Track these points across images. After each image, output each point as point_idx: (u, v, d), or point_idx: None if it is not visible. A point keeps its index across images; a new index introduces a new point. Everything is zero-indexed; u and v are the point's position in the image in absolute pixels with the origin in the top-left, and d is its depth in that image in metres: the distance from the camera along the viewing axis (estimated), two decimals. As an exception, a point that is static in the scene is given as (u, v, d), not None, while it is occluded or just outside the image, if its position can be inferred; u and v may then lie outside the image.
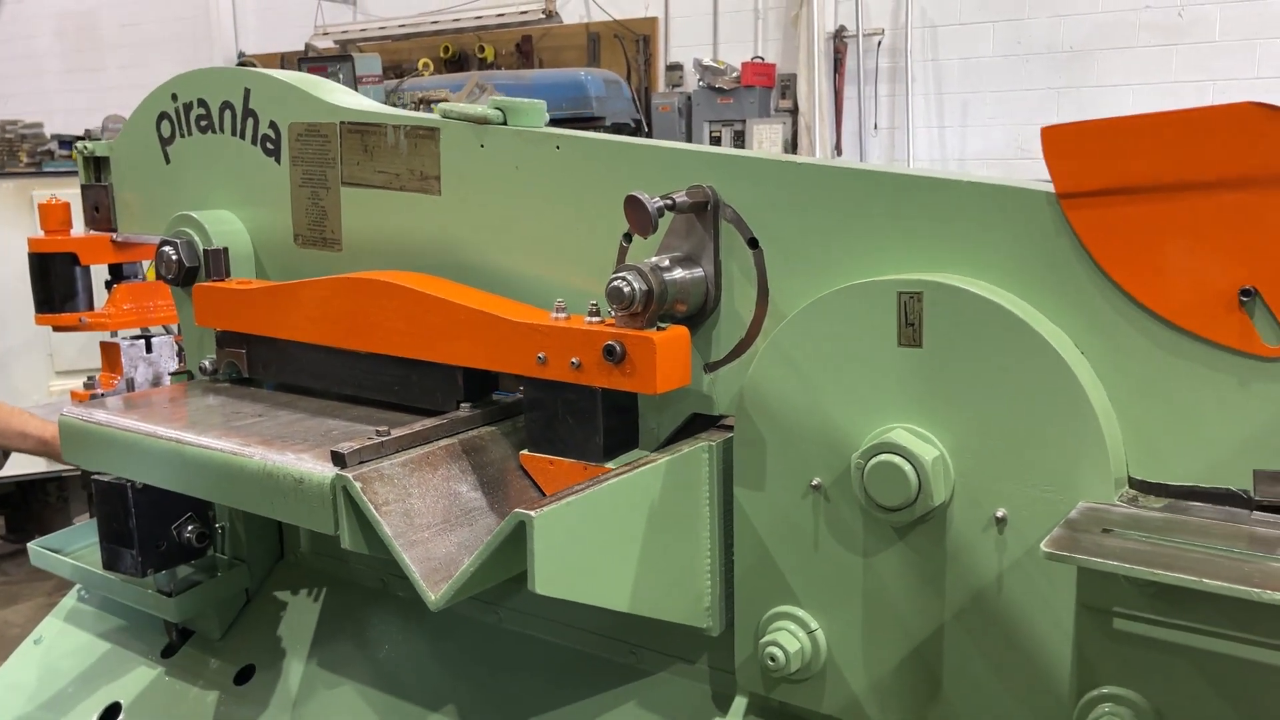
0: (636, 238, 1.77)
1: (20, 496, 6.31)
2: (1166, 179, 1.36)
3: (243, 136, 2.25)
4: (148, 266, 3.21)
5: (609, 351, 1.59)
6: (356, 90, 2.70)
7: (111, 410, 1.97)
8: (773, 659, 1.60)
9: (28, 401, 4.79)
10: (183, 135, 2.36)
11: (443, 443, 1.72)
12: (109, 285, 3.20)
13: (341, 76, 7.94)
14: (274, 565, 2.40)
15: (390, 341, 1.85)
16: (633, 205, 1.60)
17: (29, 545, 2.52)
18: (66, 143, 7.78)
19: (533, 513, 1.36)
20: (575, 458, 1.71)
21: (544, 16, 10.24)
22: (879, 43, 8.76)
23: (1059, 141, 1.45)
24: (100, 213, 2.53)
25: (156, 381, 2.76)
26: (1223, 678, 1.29)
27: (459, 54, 10.61)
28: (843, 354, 1.55)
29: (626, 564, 1.55)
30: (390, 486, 1.58)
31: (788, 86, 9.11)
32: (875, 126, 8.87)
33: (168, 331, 3.14)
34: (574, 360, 1.63)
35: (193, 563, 2.29)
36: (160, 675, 2.32)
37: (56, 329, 3.13)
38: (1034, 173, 1.54)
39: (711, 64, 9.12)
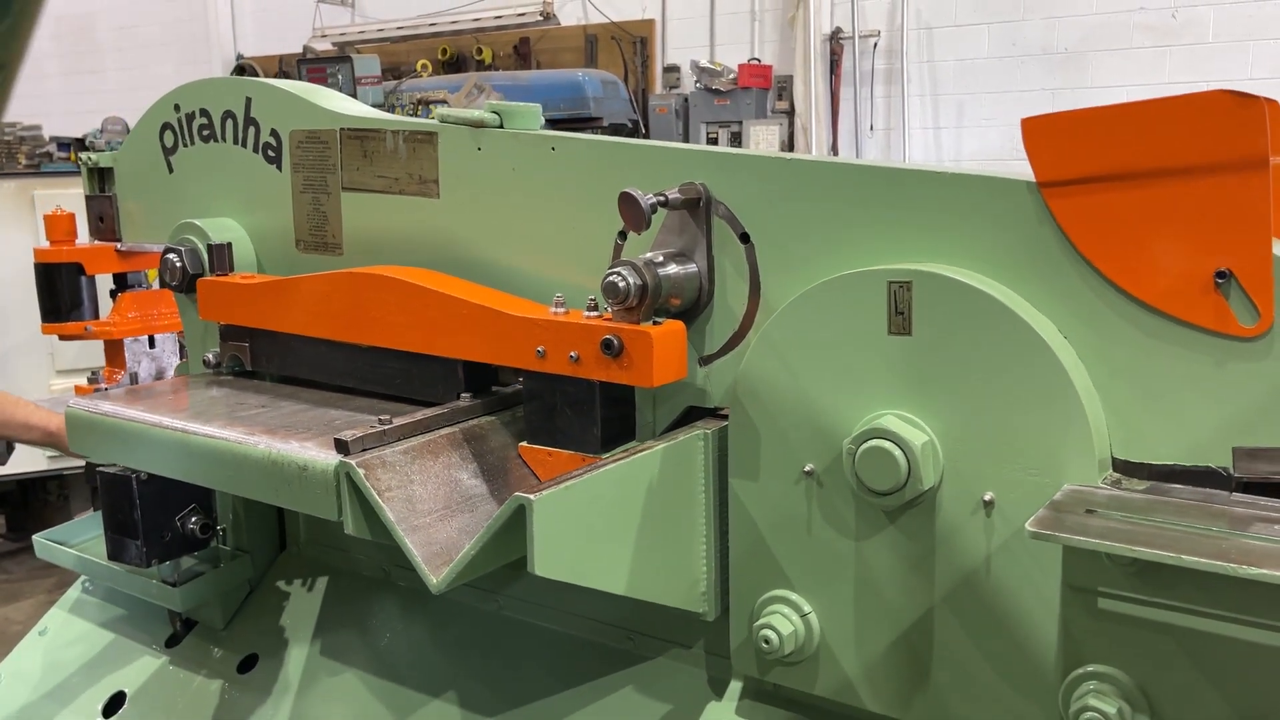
0: (631, 235, 1.81)
1: (20, 495, 6.34)
2: (1143, 166, 1.40)
3: (244, 145, 2.29)
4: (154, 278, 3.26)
5: (607, 345, 1.62)
6: (355, 92, 2.75)
7: (117, 401, 2.01)
8: (767, 642, 1.64)
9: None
10: (185, 145, 2.40)
11: (444, 431, 1.76)
12: (114, 294, 3.24)
13: (340, 78, 7.98)
14: (276, 556, 2.43)
15: (392, 335, 1.89)
16: (626, 202, 1.64)
17: (35, 538, 2.56)
18: (65, 145, 7.81)
19: (532, 496, 1.40)
20: (573, 449, 1.74)
21: (541, 18, 10.28)
22: (875, 44, 8.82)
23: (1039, 132, 1.49)
24: (105, 223, 2.57)
25: (159, 376, 2.79)
26: (1204, 654, 1.33)
27: (457, 56, 10.66)
28: (834, 343, 1.59)
29: (624, 548, 1.59)
30: (392, 473, 1.62)
31: (784, 88, 9.16)
32: (871, 128, 8.92)
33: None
34: (572, 354, 1.67)
35: (196, 554, 2.33)
36: (164, 664, 2.35)
37: (63, 338, 3.17)
38: (1029, 173, 1.58)
39: (708, 65, 9.17)
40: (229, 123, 2.31)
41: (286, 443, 1.71)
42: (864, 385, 1.57)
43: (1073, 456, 1.42)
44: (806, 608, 1.67)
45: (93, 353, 4.05)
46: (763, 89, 9.17)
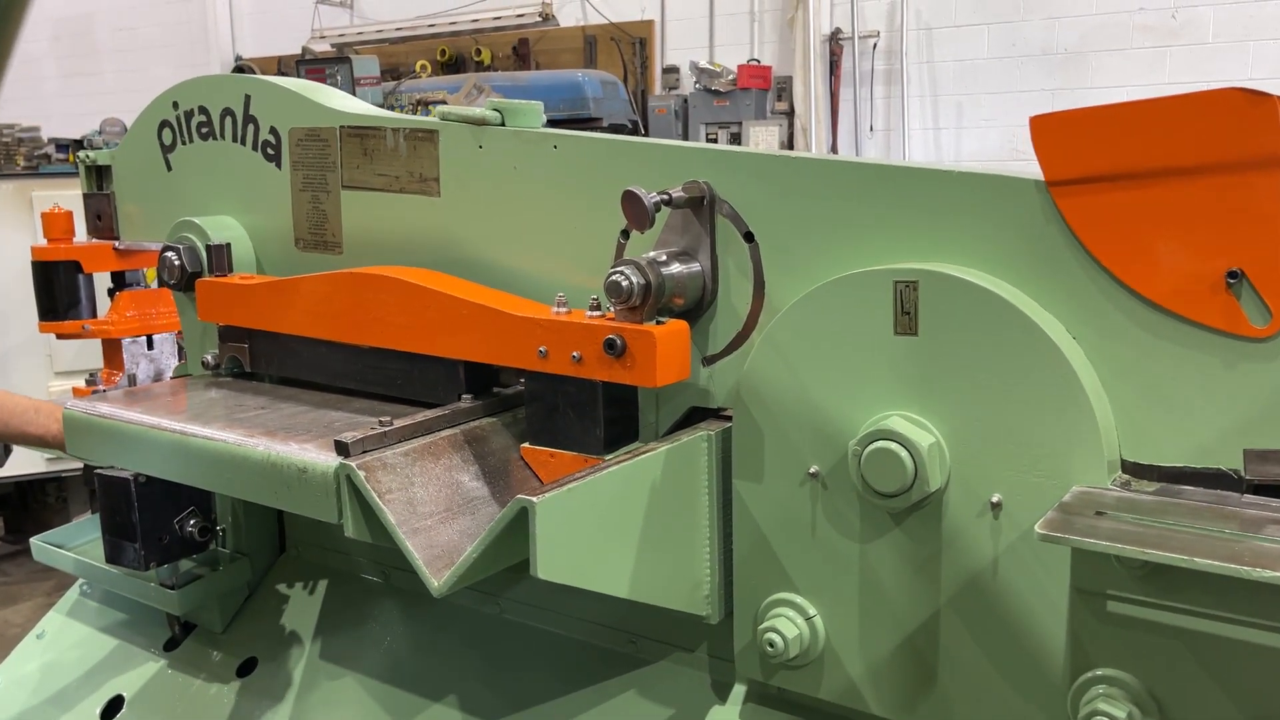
0: (634, 234, 1.79)
1: (19, 497, 6.32)
2: (1153, 165, 1.39)
3: (243, 143, 2.27)
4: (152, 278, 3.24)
5: (610, 345, 1.61)
6: (354, 93, 2.73)
7: (115, 403, 1.99)
8: (771, 645, 1.62)
9: (27, 402, 4.77)
10: (184, 142, 2.38)
11: (445, 433, 1.74)
12: (112, 293, 3.22)
13: (339, 79, 7.97)
14: (275, 559, 2.42)
15: (392, 335, 1.87)
16: (630, 201, 1.62)
17: (32, 540, 2.54)
18: (64, 146, 7.79)
19: (535, 499, 1.38)
20: (576, 450, 1.73)
21: (540, 19, 10.27)
22: (874, 45, 8.81)
23: (1048, 130, 1.47)
24: (103, 221, 2.56)
25: (158, 378, 2.77)
26: (1214, 658, 1.32)
27: (456, 57, 10.64)
28: (839, 343, 1.57)
29: (626, 551, 1.57)
30: (393, 475, 1.60)
31: (784, 89, 9.14)
32: (871, 128, 8.91)
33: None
34: (575, 354, 1.65)
35: (195, 556, 2.31)
36: (163, 668, 2.34)
37: (60, 336, 3.15)
38: (1029, 174, 1.57)
39: (708, 66, 9.15)
40: (228, 120, 2.29)
41: (286, 445, 1.70)
42: (869, 386, 1.55)
43: (1081, 458, 1.40)
44: (811, 611, 1.65)
45: (91, 354, 4.03)
46: (762, 90, 9.15)
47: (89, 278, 3.15)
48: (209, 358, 2.20)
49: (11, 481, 5.92)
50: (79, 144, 7.36)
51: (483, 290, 1.86)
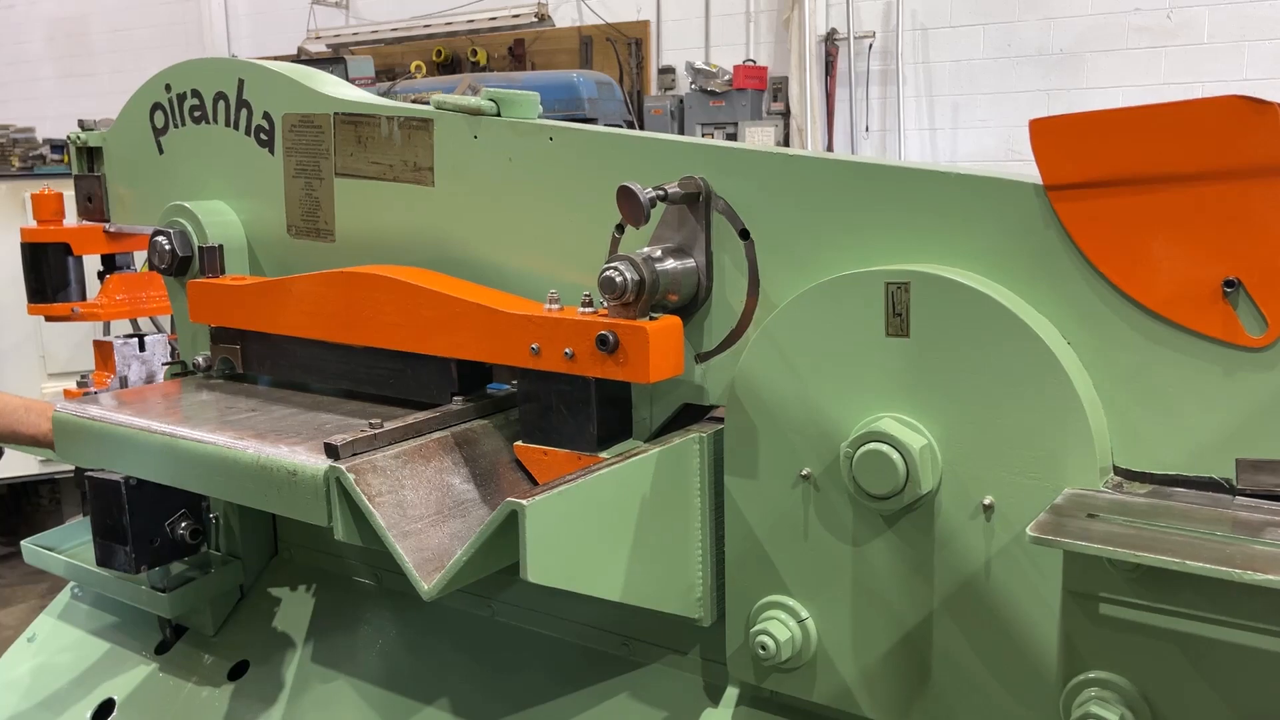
0: (629, 229, 1.79)
1: (12, 499, 6.30)
2: (1153, 171, 1.38)
3: (236, 127, 2.26)
4: (142, 262, 3.21)
5: (602, 341, 1.60)
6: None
7: (105, 406, 1.98)
8: (763, 648, 1.62)
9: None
10: (176, 126, 2.37)
11: (436, 435, 1.73)
12: (102, 276, 3.19)
13: (334, 79, 7.94)
14: (268, 561, 2.41)
15: (384, 335, 1.86)
16: (625, 196, 1.62)
17: (23, 543, 2.53)
18: (59, 147, 7.77)
19: (525, 501, 1.37)
20: (569, 448, 1.72)
21: (536, 20, 10.27)
22: (870, 45, 8.81)
23: (1047, 134, 1.47)
24: (93, 203, 2.54)
25: (150, 380, 2.76)
26: (1207, 661, 1.31)
27: (451, 57, 10.64)
28: (831, 344, 1.57)
29: (618, 553, 1.57)
30: (383, 478, 1.60)
31: (779, 89, 9.15)
32: (867, 129, 8.91)
33: (159, 330, 3.15)
34: (567, 350, 1.64)
35: (186, 559, 2.30)
36: (154, 671, 2.33)
37: (49, 319, 3.12)
38: (1028, 177, 1.56)
39: (703, 67, 9.15)
40: (221, 104, 2.28)
41: (276, 447, 1.69)
42: (862, 387, 1.55)
43: (1074, 462, 1.40)
44: (804, 613, 1.65)
45: (86, 356, 4.01)
46: (758, 90, 9.15)
47: (79, 260, 3.10)
48: (200, 359, 2.19)
49: (5, 483, 5.90)
50: (74, 145, 7.32)
51: (475, 288, 1.85)
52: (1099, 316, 1.44)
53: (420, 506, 1.61)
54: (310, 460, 1.63)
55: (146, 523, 2.13)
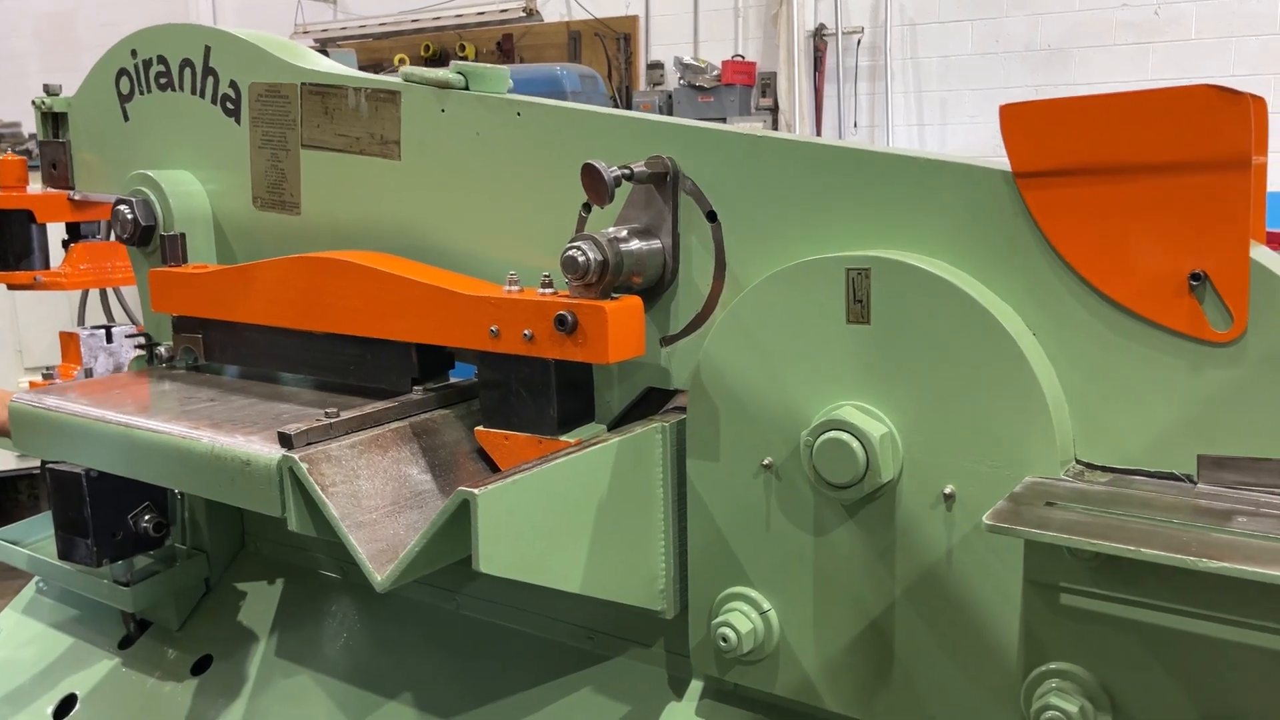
0: (595, 208, 1.76)
1: (-8, 495, 6.26)
2: (1121, 160, 1.36)
3: (202, 95, 2.22)
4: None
5: (560, 321, 1.57)
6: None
7: (61, 395, 1.95)
8: (725, 640, 1.59)
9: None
10: (142, 93, 2.33)
11: (393, 425, 1.71)
12: (66, 244, 3.12)
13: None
14: (235, 555, 2.38)
15: (344, 320, 1.83)
16: (589, 174, 1.59)
17: (-14, 537, 2.50)
18: (44, 142, 7.70)
19: (477, 491, 1.35)
20: (530, 431, 1.69)
21: (524, 15, 10.22)
22: (858, 41, 8.79)
23: (1017, 120, 1.44)
24: (58, 170, 2.49)
25: (117, 372, 2.73)
26: (1169, 652, 1.29)
27: (440, 52, 10.59)
28: (793, 331, 1.54)
29: (576, 544, 1.54)
30: (337, 468, 1.57)
31: (768, 85, 9.12)
32: (855, 124, 8.89)
33: (132, 320, 3.10)
34: (526, 332, 1.62)
35: (152, 553, 2.27)
36: (117, 666, 2.30)
37: (11, 287, 3.05)
38: (998, 164, 1.54)
39: (692, 62, 9.13)
40: (187, 71, 2.24)
41: (231, 437, 1.66)
42: (823, 375, 1.53)
43: (1035, 451, 1.38)
44: (766, 605, 1.62)
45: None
46: (746, 86, 9.12)
47: (42, 228, 3.04)
48: (163, 350, 2.16)
49: (-16, 478, 5.86)
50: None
51: (435, 271, 1.82)
52: (1064, 307, 1.42)
53: (375, 497, 1.58)
54: (264, 450, 1.60)
55: (108, 515, 2.10)
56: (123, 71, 2.34)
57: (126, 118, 2.36)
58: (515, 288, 1.68)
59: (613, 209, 1.72)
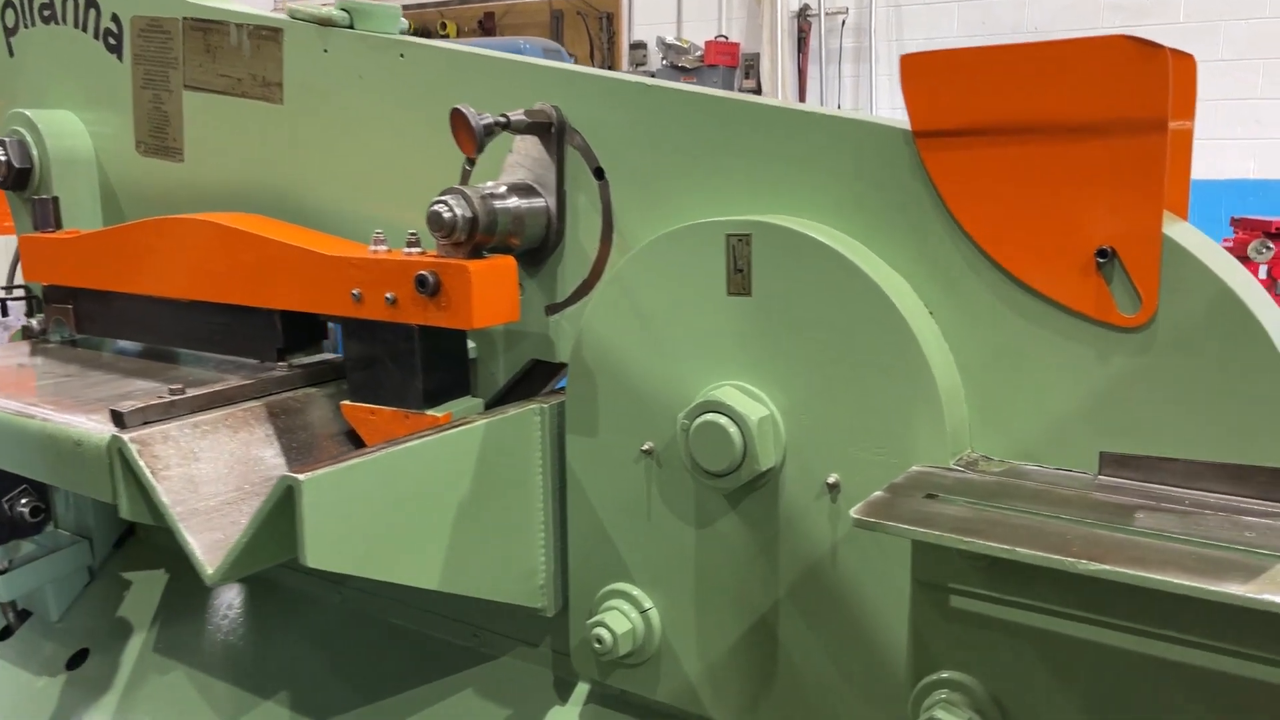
0: (481, 161, 1.62)
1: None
2: (1027, 119, 1.21)
3: (85, 29, 2.07)
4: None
5: (421, 282, 1.43)
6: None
7: (-93, 370, 1.81)
8: (599, 641, 1.46)
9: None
10: (26, 25, 2.18)
11: (248, 405, 1.57)
12: None
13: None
14: (122, 542, 2.24)
15: (208, 286, 1.69)
16: (458, 121, 1.44)
17: None
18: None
19: (301, 476, 1.21)
20: (396, 405, 1.55)
21: (506, -7, 10.05)
22: (843, 22, 8.63)
23: (918, 72, 1.29)
24: None
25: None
26: (1063, 661, 1.15)
27: (421, 29, 10.41)
28: (674, 303, 1.40)
29: (431, 536, 1.40)
30: (174, 449, 1.43)
31: (751, 66, 8.96)
32: (839, 106, 8.72)
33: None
34: (388, 295, 1.48)
35: (33, 539, 2.14)
36: (-8, 659, 2.16)
37: None
38: (898, 120, 1.39)
39: (675, 42, 8.97)
40: (70, 3, 2.09)
41: (67, 415, 1.52)
42: (705, 352, 1.39)
43: (922, 436, 1.24)
44: (647, 603, 1.49)
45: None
46: (729, 67, 8.96)
47: None
48: (34, 323, 2.02)
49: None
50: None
51: (302, 232, 1.68)
52: (964, 284, 1.27)
53: (217, 482, 1.44)
54: (97, 429, 1.46)
55: (-22, 499, 1.97)
56: (8, 3, 2.19)
57: (11, 53, 2.21)
58: (382, 248, 1.54)
59: (496, 162, 1.58)
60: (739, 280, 1.34)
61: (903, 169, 1.30)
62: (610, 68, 9.63)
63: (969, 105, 1.25)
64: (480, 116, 1.43)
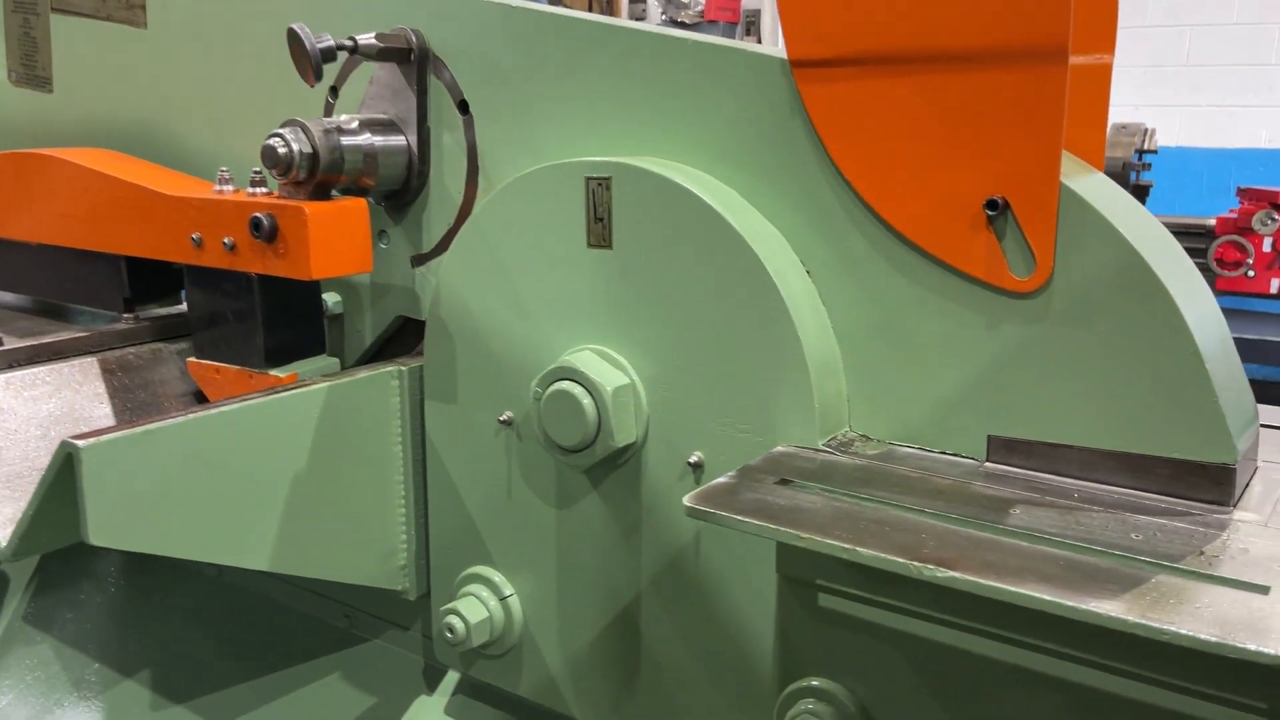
0: (344, 93, 1.46)
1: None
2: (909, 47, 1.03)
3: None
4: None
5: (255, 226, 1.28)
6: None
7: None
8: (450, 630, 1.32)
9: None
10: None
11: (78, 361, 1.42)
12: None
13: None
14: (6, 504, 2.11)
15: (55, 229, 1.55)
16: (294, 43, 1.28)
17: None
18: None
19: (81, 443, 1.06)
20: (239, 364, 1.41)
21: (503, -56, 9.79)
22: (847, -22, 8.34)
23: None
24: None
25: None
26: (935, 671, 1.00)
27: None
28: (533, 256, 1.24)
29: (261, 513, 1.26)
30: (-24, 408, 1.29)
31: (752, 22, 8.69)
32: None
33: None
34: (226, 240, 1.33)
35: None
36: None
37: None
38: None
39: (674, -2, 8.72)
40: None
41: None
42: (564, 312, 1.23)
43: (789, 413, 1.08)
44: (508, 590, 1.34)
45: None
46: (730, 23, 8.70)
47: None
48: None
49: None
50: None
51: (154, 170, 1.53)
52: (846, 239, 1.11)
53: (26, 445, 1.30)
54: (-103, 384, 1.32)
55: None
56: None
57: None
58: (228, 188, 1.38)
59: (355, 95, 1.42)
60: (599, 230, 1.18)
61: (781, 105, 1.13)
62: (609, 23, 9.38)
63: (847, 29, 1.07)
64: (319, 38, 1.27)
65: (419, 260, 1.43)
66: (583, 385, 1.16)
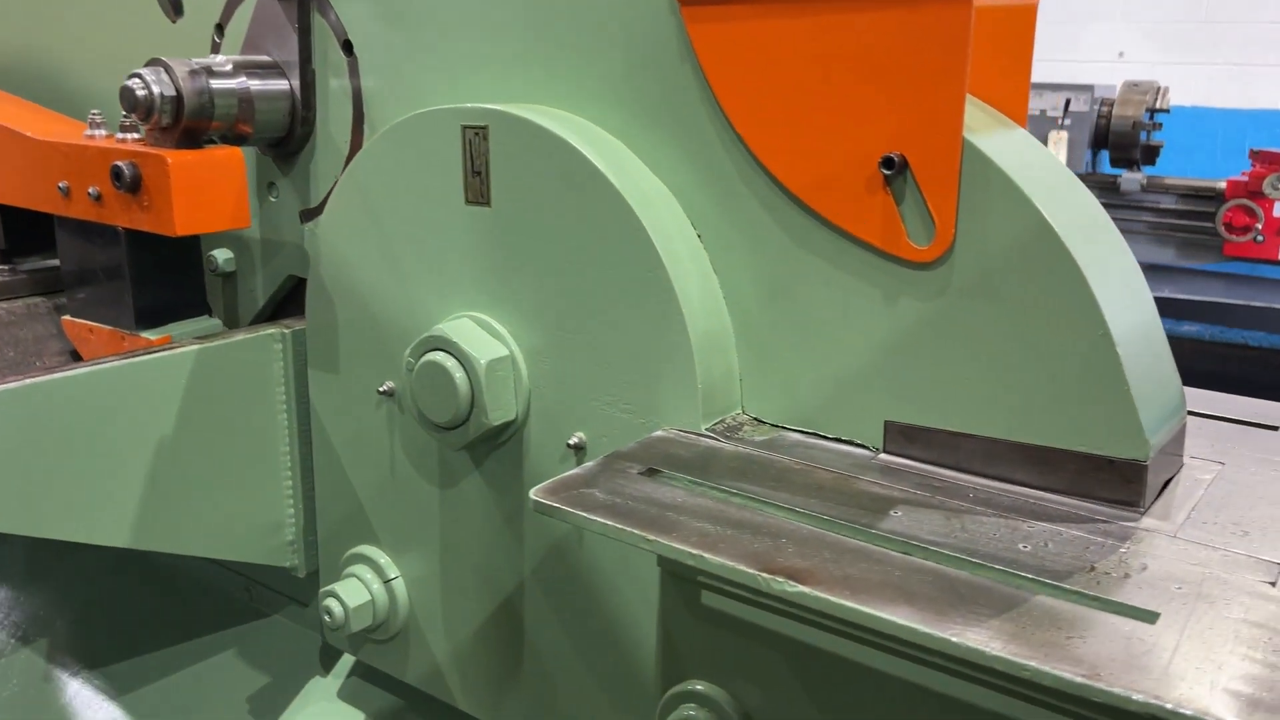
0: (230, 31, 1.34)
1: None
2: None
3: None
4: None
5: (116, 175, 1.17)
6: None
7: None
8: (328, 614, 1.23)
9: None
10: None
11: (-59, 315, 1.32)
12: None
13: None
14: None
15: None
16: None
17: None
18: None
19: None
20: (110, 324, 1.31)
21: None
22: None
23: None
24: None
25: None
26: (816, 676, 0.91)
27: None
28: (410, 213, 1.14)
29: (120, 486, 1.17)
30: None
31: None
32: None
33: None
34: (92, 190, 1.22)
35: None
36: None
37: None
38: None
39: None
40: None
41: None
42: (443, 275, 1.12)
43: (670, 393, 0.98)
44: (393, 572, 1.25)
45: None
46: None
47: None
48: None
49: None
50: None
51: (26, 110, 1.42)
52: (739, 200, 0.99)
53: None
54: None
55: None
56: None
57: None
58: (99, 132, 1.27)
59: (238, 32, 1.31)
60: (477, 185, 1.07)
61: (670, 46, 1.01)
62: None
63: None
64: None
65: (308, 215, 1.33)
66: (455, 357, 1.06)
